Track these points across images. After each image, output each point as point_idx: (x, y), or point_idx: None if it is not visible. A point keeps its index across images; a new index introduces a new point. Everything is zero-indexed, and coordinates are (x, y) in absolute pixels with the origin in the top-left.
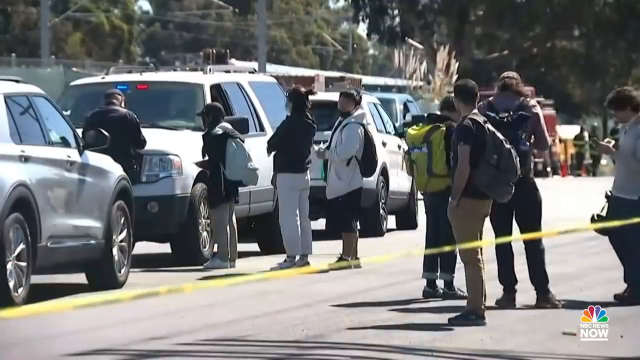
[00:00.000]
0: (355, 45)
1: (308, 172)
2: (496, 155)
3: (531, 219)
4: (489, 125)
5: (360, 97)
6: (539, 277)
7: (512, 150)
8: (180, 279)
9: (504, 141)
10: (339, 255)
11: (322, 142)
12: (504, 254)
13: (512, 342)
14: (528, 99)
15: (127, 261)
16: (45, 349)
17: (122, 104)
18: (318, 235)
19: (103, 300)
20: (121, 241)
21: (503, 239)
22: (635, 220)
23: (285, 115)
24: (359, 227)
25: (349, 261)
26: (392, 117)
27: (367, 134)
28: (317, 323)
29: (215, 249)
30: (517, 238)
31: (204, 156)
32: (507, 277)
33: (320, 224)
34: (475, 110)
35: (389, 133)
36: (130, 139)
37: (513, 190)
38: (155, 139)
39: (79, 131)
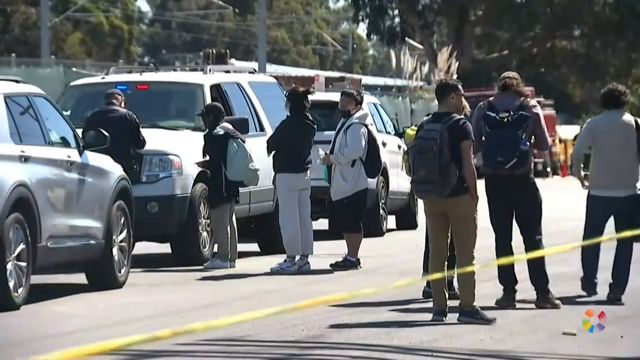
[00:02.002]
0: (355, 45)
1: (308, 172)
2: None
3: (531, 219)
4: (427, 125)
5: (362, 97)
6: (539, 277)
7: (421, 150)
8: (181, 279)
9: (420, 139)
10: (344, 256)
11: (319, 149)
12: (504, 254)
13: (512, 342)
14: (528, 99)
15: (127, 261)
16: (45, 349)
17: (122, 104)
18: (319, 236)
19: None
20: (121, 241)
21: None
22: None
23: (285, 115)
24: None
25: (355, 263)
26: None
27: (370, 135)
28: (317, 323)
29: (215, 249)
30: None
31: (204, 156)
32: (507, 277)
33: (321, 224)
34: (443, 108)
35: (389, 133)
36: (130, 139)
37: (428, 189)
38: (155, 139)
39: (79, 131)
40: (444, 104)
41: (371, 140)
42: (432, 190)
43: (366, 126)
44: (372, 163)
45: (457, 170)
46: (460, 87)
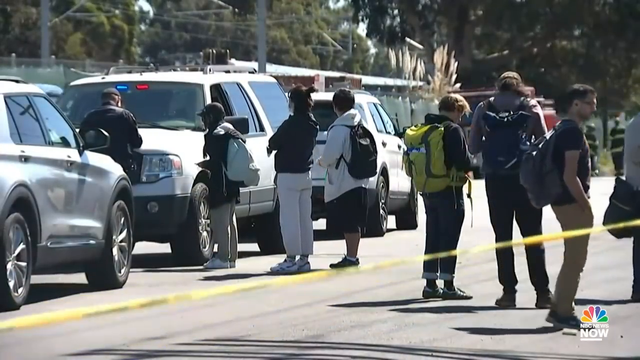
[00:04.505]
0: (355, 45)
1: (310, 172)
2: None
3: (532, 219)
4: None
5: (346, 97)
6: (539, 277)
7: (526, 157)
8: (180, 279)
9: (533, 146)
10: (343, 256)
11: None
12: (504, 254)
13: (512, 342)
14: (528, 99)
15: (127, 261)
16: (45, 349)
17: (119, 104)
18: (319, 236)
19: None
20: (121, 241)
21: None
22: None
23: (285, 115)
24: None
25: (355, 263)
26: None
27: (353, 136)
28: (317, 323)
29: (215, 249)
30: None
31: (205, 156)
32: (507, 277)
33: (321, 224)
34: (567, 115)
35: (389, 133)
36: (128, 138)
37: (530, 197)
38: (155, 139)
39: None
40: (568, 111)
41: (353, 141)
42: (531, 199)
43: (351, 127)
44: (355, 164)
45: (559, 180)
46: (588, 94)
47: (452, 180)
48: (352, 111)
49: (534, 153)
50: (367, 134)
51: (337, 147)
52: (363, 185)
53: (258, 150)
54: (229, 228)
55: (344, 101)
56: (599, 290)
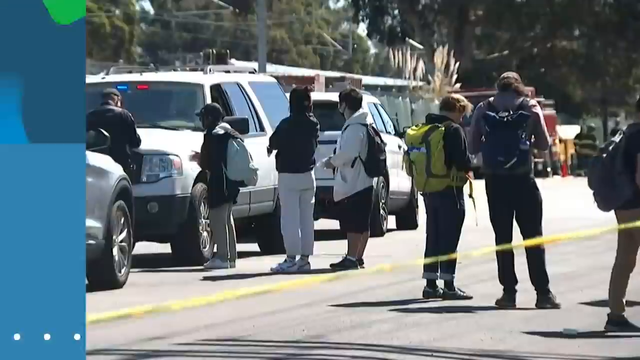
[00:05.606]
0: (355, 45)
1: (312, 172)
2: None
3: (532, 219)
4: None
5: (357, 96)
6: (539, 277)
7: (594, 160)
8: (181, 279)
9: (602, 149)
10: (344, 256)
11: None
12: (504, 254)
13: (512, 342)
14: (528, 99)
15: (127, 261)
16: None
17: (119, 104)
18: (319, 236)
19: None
20: (121, 241)
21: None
22: None
23: (286, 115)
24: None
25: (355, 263)
26: None
27: (369, 134)
28: (317, 323)
29: (215, 249)
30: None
31: (202, 154)
32: (507, 277)
33: (321, 224)
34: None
35: (389, 133)
36: (127, 138)
37: (596, 200)
38: (155, 139)
39: None
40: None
41: (370, 139)
42: (598, 202)
43: (366, 125)
44: (371, 162)
45: (630, 183)
46: None
47: (452, 180)
48: (364, 110)
49: (604, 156)
50: (377, 133)
51: (356, 146)
52: (373, 185)
53: (258, 150)
54: (226, 228)
55: (355, 100)
56: (599, 291)
